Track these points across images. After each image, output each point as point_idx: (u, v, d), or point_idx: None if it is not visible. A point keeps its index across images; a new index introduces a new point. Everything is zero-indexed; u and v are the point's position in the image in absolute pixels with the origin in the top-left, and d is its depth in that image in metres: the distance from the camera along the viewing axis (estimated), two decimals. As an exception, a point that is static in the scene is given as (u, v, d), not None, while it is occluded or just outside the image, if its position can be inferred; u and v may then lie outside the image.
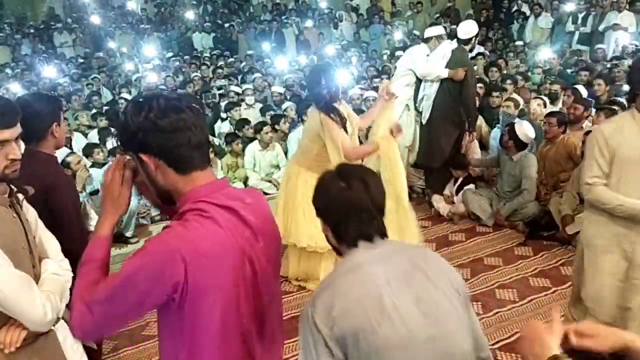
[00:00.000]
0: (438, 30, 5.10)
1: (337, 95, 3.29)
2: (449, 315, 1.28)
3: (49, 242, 1.79)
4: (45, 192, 2.10)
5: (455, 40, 4.77)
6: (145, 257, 1.17)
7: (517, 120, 4.75)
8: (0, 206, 1.57)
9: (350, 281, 1.28)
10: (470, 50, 5.02)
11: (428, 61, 4.79)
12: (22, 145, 2.46)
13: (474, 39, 4.79)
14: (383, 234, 1.38)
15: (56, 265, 1.72)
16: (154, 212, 4.97)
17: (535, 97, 5.65)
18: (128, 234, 4.33)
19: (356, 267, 1.30)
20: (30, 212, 1.74)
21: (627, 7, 8.67)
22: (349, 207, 1.34)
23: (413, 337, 1.22)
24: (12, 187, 1.63)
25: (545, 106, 5.48)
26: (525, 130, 4.40)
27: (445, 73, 4.63)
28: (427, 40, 4.99)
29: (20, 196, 1.68)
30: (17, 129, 1.57)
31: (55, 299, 1.60)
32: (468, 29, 4.73)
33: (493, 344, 2.93)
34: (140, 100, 1.22)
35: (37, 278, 1.63)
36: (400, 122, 4.63)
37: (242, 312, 1.27)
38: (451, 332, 1.27)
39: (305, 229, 3.47)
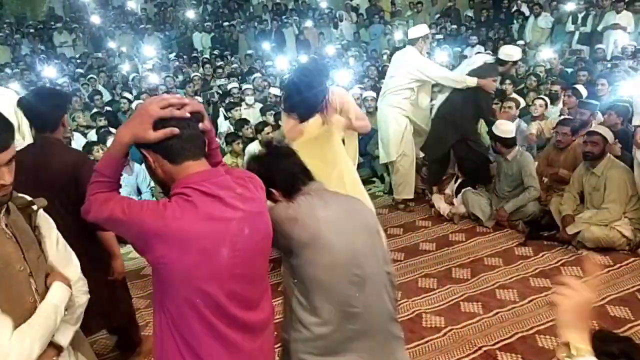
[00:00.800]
0: (423, 30, 4.86)
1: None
2: (360, 237, 1.81)
3: (68, 262, 1.63)
4: (78, 168, 2.34)
5: (483, 53, 4.76)
6: (127, 216, 1.33)
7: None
8: None
9: (300, 209, 1.74)
10: (501, 75, 4.88)
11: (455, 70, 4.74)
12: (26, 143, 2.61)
13: (511, 64, 4.68)
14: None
15: (66, 292, 1.54)
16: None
17: (537, 97, 5.66)
18: None
19: (303, 202, 1.77)
20: (45, 228, 1.59)
21: (625, 7, 8.68)
22: (287, 172, 1.80)
23: (339, 250, 1.72)
24: (8, 205, 1.45)
25: (546, 106, 5.49)
26: (502, 128, 4.39)
27: (473, 82, 4.54)
28: (412, 42, 4.76)
29: (35, 207, 1.54)
30: (10, 153, 1.36)
31: (24, 344, 1.36)
32: (511, 52, 4.66)
33: (493, 344, 2.93)
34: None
35: (38, 301, 1.47)
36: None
37: (211, 292, 1.38)
38: (367, 257, 1.80)
39: None
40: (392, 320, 1.86)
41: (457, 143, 4.78)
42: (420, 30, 4.87)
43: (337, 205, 1.82)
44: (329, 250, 1.71)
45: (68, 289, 1.54)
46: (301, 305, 1.75)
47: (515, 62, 4.78)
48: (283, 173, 1.79)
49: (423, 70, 4.67)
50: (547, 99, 5.62)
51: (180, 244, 1.32)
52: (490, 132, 4.52)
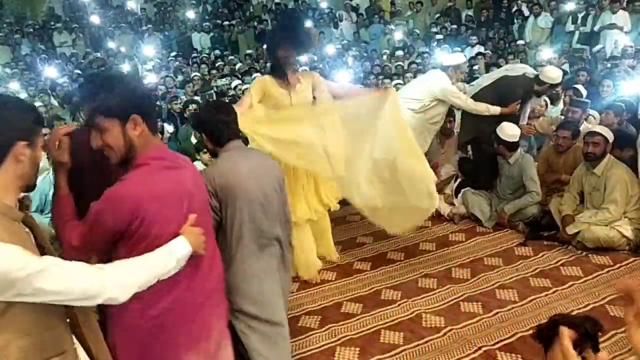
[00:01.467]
0: (457, 58, 4.76)
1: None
2: (272, 189, 2.32)
3: None
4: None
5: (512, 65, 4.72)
6: (106, 202, 1.60)
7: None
8: (14, 221, 1.42)
9: (226, 162, 2.24)
10: (536, 93, 4.75)
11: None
12: None
13: (548, 86, 4.58)
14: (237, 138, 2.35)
15: (186, 247, 1.69)
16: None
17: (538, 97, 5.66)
18: None
19: (228, 156, 2.26)
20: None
21: (625, 6, 8.70)
22: (219, 122, 2.26)
23: (254, 194, 2.22)
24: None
25: (546, 107, 5.49)
26: (507, 131, 4.37)
27: (496, 111, 4.53)
28: (444, 69, 4.64)
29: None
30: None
31: (117, 271, 1.48)
32: (553, 75, 4.57)
33: (493, 344, 2.93)
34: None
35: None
36: None
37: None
38: (273, 200, 2.32)
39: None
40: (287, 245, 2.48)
41: (470, 140, 4.79)
42: (454, 58, 4.78)
43: (253, 159, 2.35)
44: (247, 192, 2.21)
45: (189, 246, 1.67)
46: (230, 249, 2.22)
47: (553, 85, 4.65)
48: (216, 123, 2.26)
49: (448, 96, 4.57)
50: (547, 99, 5.62)
51: (162, 202, 1.65)
52: (494, 135, 4.43)
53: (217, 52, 11.74)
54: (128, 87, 1.64)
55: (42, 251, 1.47)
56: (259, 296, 2.28)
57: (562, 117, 5.02)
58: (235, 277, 2.21)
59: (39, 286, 1.29)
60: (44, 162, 5.22)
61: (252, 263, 2.24)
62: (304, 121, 3.32)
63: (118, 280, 1.45)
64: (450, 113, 4.94)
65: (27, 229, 1.47)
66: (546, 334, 1.75)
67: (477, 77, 6.30)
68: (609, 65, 7.10)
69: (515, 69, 4.87)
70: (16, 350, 1.32)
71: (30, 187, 1.48)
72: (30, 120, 1.44)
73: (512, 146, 4.39)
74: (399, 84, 7.23)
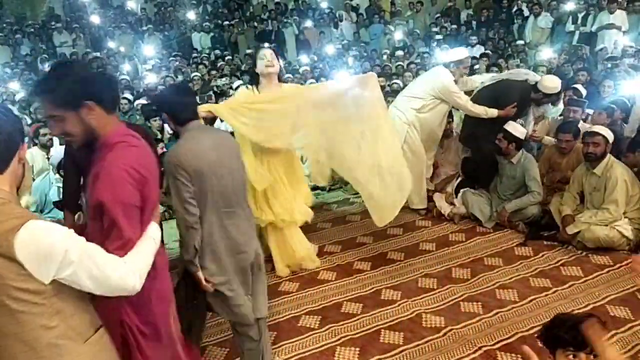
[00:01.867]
0: (460, 53, 4.73)
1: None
2: (234, 165, 2.49)
3: None
4: None
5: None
6: (120, 184, 1.63)
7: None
8: None
9: (189, 140, 2.37)
10: (537, 103, 4.69)
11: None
12: None
13: (542, 95, 4.57)
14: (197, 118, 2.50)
15: (157, 229, 1.81)
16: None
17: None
18: None
19: (190, 135, 2.39)
20: None
21: (625, 6, 8.71)
22: (178, 102, 2.42)
23: (217, 169, 2.36)
24: None
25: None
26: (518, 128, 4.38)
27: (494, 113, 4.53)
28: (447, 65, 4.63)
29: None
30: None
31: (137, 263, 1.58)
32: (552, 85, 4.54)
33: (493, 344, 2.93)
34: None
35: None
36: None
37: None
38: (234, 173, 2.48)
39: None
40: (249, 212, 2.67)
41: (470, 140, 4.80)
42: (456, 54, 4.75)
43: (213, 135, 2.53)
44: (213, 170, 2.37)
45: (159, 228, 1.80)
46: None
47: (547, 95, 4.60)
48: (175, 103, 2.43)
49: (448, 94, 4.56)
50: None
51: (150, 178, 1.74)
52: (503, 133, 4.38)
53: (217, 52, 11.74)
54: (76, 75, 1.67)
55: None
56: (219, 255, 2.45)
57: (561, 118, 5.02)
58: (209, 245, 2.43)
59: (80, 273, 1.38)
60: (43, 162, 5.25)
61: (217, 229, 2.43)
62: (278, 100, 3.57)
63: (138, 271, 1.55)
64: (449, 114, 4.94)
65: None
66: (551, 335, 1.73)
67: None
68: (609, 65, 7.10)
69: (519, 74, 4.87)
70: (69, 329, 1.41)
71: (19, 187, 1.53)
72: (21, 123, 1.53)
73: (520, 144, 4.39)
74: (395, 83, 7.22)
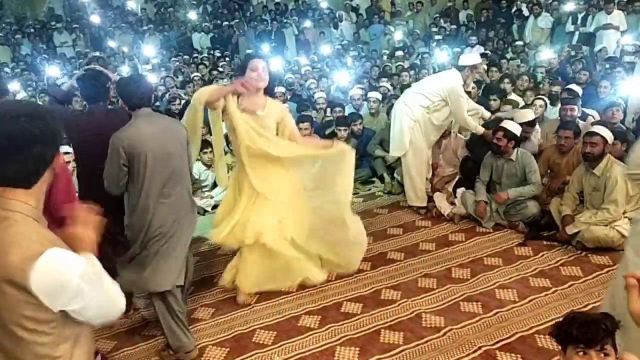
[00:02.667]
0: (473, 59, 4.77)
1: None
2: (176, 147, 2.79)
3: None
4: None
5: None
6: None
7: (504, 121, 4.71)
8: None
9: (131, 126, 2.73)
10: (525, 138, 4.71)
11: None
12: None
13: (527, 125, 4.62)
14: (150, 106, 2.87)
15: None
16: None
17: (537, 98, 5.67)
18: None
19: (134, 122, 2.74)
20: None
21: (624, 7, 8.72)
22: (129, 90, 2.79)
23: (156, 152, 2.68)
24: None
25: (545, 107, 5.50)
26: (514, 125, 4.42)
27: (480, 131, 4.71)
28: (460, 68, 4.64)
29: None
30: None
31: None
32: (524, 116, 4.70)
33: (493, 344, 2.93)
34: None
35: None
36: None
37: None
38: (175, 158, 2.77)
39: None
40: (191, 202, 2.96)
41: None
42: (470, 58, 4.80)
43: (158, 123, 2.80)
44: (152, 153, 2.65)
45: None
46: (135, 198, 2.74)
47: (531, 123, 4.70)
48: (127, 90, 2.78)
49: (453, 97, 4.59)
50: (546, 99, 5.62)
51: None
52: (503, 132, 4.38)
53: (218, 52, 11.74)
54: None
55: None
56: (143, 229, 2.76)
57: (559, 118, 5.03)
58: (138, 220, 2.77)
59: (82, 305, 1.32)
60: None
61: (153, 209, 2.74)
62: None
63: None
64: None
65: None
66: (562, 332, 1.75)
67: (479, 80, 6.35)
68: (607, 66, 7.11)
69: (508, 114, 5.05)
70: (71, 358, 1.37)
71: None
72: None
73: (518, 141, 4.40)
74: (383, 86, 7.21)
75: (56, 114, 1.39)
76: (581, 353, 1.67)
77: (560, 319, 1.81)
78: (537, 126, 5.07)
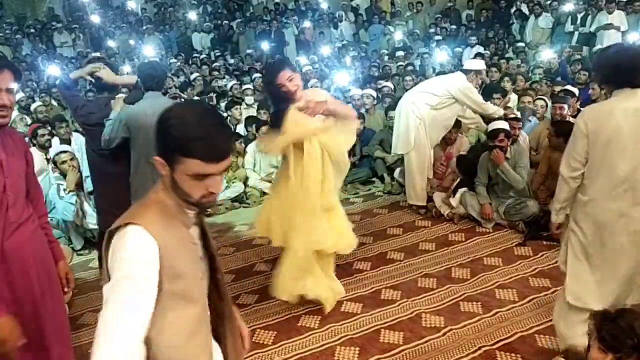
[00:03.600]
0: (478, 64, 4.91)
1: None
2: None
3: None
4: None
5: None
6: None
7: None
8: (182, 227, 1.36)
9: (136, 106, 3.31)
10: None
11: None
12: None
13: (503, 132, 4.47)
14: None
15: None
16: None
17: (538, 98, 5.67)
18: None
19: (141, 102, 3.28)
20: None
21: (624, 7, 8.71)
22: (145, 74, 3.38)
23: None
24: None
25: (546, 107, 5.49)
26: (504, 122, 4.54)
27: (500, 112, 4.79)
28: (466, 72, 4.75)
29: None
30: (227, 162, 1.31)
31: None
32: (497, 125, 4.55)
33: (493, 344, 2.93)
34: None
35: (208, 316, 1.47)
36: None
37: None
38: None
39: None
40: None
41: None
42: (476, 64, 4.94)
43: (161, 103, 2.92)
44: (146, 127, 2.87)
45: None
46: (134, 168, 3.32)
47: (506, 131, 4.60)
48: (149, 74, 3.30)
49: (464, 93, 4.65)
50: (547, 99, 5.62)
51: None
52: (505, 132, 4.42)
53: (218, 52, 11.73)
54: None
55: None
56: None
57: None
58: (140, 182, 3.17)
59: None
60: (42, 163, 5.23)
61: (149, 176, 3.00)
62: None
63: None
64: (457, 123, 4.96)
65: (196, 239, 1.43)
66: (598, 321, 1.80)
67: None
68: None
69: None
70: None
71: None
72: None
73: (510, 135, 4.44)
74: (386, 86, 7.20)
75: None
76: (601, 349, 1.74)
77: (610, 310, 1.86)
78: (524, 133, 5.11)
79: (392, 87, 7.25)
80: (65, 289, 2.33)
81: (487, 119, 4.81)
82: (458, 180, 4.92)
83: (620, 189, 2.27)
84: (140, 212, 1.30)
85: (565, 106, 4.83)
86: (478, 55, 8.54)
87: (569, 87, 5.57)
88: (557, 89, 5.94)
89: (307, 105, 3.00)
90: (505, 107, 5.16)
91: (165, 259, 1.25)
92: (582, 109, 5.07)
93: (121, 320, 1.14)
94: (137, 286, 1.19)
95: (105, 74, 3.51)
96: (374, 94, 6.54)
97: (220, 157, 1.27)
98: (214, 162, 1.26)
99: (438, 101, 4.69)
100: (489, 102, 4.93)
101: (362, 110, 6.45)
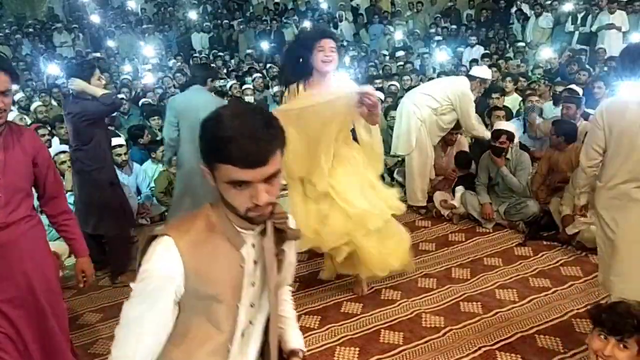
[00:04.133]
0: (485, 72, 4.94)
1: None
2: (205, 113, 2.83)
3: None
4: None
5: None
6: None
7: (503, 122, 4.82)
8: (227, 246, 1.23)
9: (180, 95, 4.68)
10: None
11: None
12: None
13: (505, 135, 4.43)
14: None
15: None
16: (154, 212, 4.97)
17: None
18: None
19: (187, 92, 4.28)
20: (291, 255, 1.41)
21: (624, 7, 8.71)
22: (193, 70, 5.24)
23: (193, 116, 3.89)
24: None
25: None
26: (509, 124, 4.56)
27: (487, 136, 4.69)
28: (471, 78, 4.79)
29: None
30: (268, 169, 1.13)
31: None
32: (501, 126, 4.59)
33: (493, 344, 2.93)
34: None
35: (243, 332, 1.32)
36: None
37: None
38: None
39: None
40: None
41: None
42: (483, 72, 4.98)
43: (202, 95, 3.99)
44: (189, 113, 3.86)
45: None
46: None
47: (509, 134, 4.61)
48: (198, 70, 4.40)
49: (462, 102, 4.62)
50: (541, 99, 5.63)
51: None
52: (507, 134, 4.42)
53: (217, 52, 11.73)
54: None
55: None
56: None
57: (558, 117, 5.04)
58: (187, 160, 3.97)
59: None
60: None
61: (192, 154, 3.82)
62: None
63: None
64: (457, 126, 4.95)
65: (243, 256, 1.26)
66: (597, 312, 1.84)
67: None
68: (605, 67, 7.10)
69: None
70: None
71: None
72: None
73: (513, 137, 4.43)
74: (393, 85, 7.20)
75: None
76: (602, 336, 1.78)
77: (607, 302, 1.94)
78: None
79: (398, 86, 7.24)
80: (80, 285, 2.44)
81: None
82: (456, 179, 4.93)
83: (634, 177, 2.49)
84: (181, 225, 1.22)
85: (574, 106, 4.82)
86: (485, 56, 8.53)
87: (573, 86, 5.56)
88: (559, 89, 5.94)
89: (369, 96, 2.71)
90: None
91: (189, 279, 1.18)
92: (586, 109, 5.10)
93: (132, 338, 1.20)
94: (149, 304, 1.17)
95: (76, 84, 3.51)
96: (378, 94, 6.52)
97: (255, 162, 1.09)
98: (249, 168, 1.09)
99: (438, 106, 4.69)
100: (480, 123, 4.95)
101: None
